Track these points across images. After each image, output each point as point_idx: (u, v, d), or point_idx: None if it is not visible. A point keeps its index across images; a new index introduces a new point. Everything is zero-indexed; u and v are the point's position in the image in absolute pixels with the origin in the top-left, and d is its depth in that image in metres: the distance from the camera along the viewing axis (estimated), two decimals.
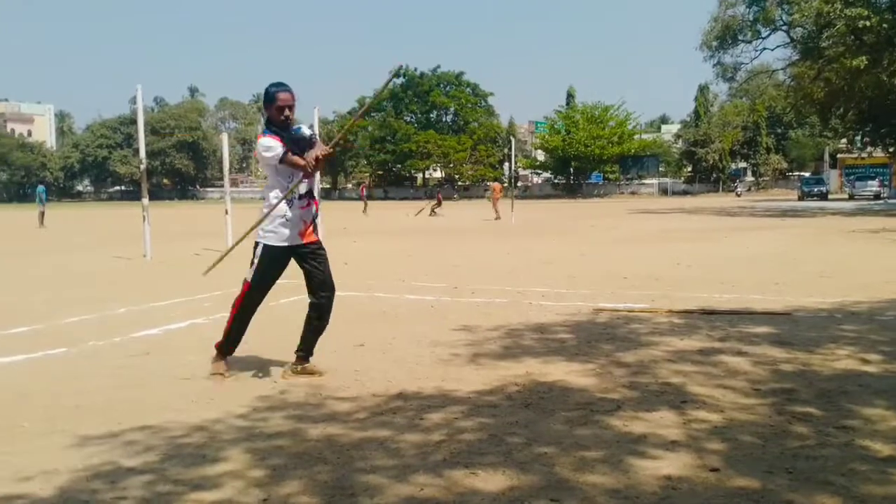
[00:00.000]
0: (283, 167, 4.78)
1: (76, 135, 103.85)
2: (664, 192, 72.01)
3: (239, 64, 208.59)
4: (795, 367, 4.90)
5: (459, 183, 78.31)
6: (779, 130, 74.61)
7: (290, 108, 4.83)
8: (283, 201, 4.81)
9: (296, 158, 4.74)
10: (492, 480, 3.09)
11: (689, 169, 78.05)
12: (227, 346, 5.08)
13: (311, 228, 4.96)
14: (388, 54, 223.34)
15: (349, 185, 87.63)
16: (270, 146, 4.74)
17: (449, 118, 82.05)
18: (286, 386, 4.71)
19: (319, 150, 4.84)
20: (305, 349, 5.03)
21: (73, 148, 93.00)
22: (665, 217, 29.88)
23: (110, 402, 4.40)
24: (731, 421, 3.80)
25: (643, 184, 75.66)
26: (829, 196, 49.13)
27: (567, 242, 16.90)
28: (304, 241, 4.89)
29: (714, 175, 73.94)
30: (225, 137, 18.81)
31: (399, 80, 79.71)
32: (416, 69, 79.65)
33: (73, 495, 3.04)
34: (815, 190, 48.20)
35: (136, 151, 37.83)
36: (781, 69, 41.57)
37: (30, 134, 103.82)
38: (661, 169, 76.29)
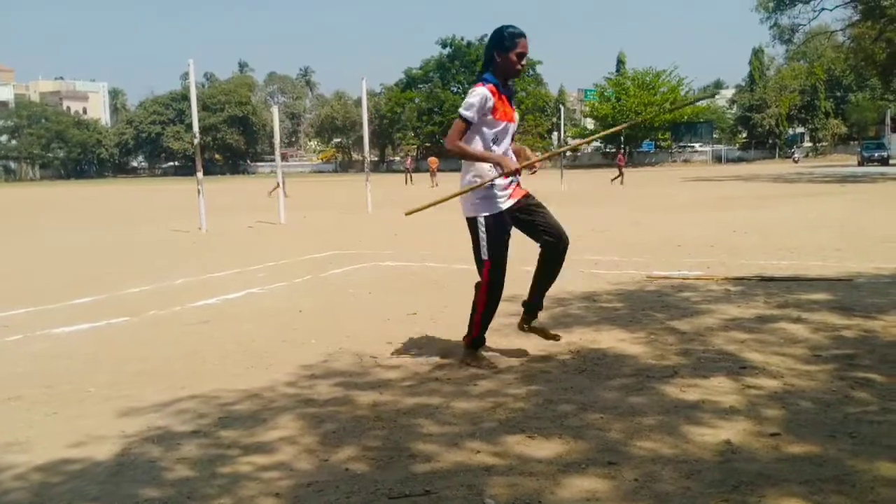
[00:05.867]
0: (490, 123, 4.54)
1: (129, 111, 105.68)
2: (718, 159, 70.43)
3: (286, 38, 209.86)
4: (857, 334, 4.77)
5: None
6: (838, 94, 72.09)
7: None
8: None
9: (489, 154, 4.43)
10: (546, 445, 3.08)
11: (744, 135, 76.16)
12: (481, 336, 4.58)
13: (517, 185, 4.68)
14: (435, 24, 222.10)
15: (397, 158, 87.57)
16: (473, 104, 4.47)
17: None
18: (334, 354, 4.72)
19: (526, 158, 4.66)
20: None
21: (127, 125, 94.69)
22: (720, 184, 29.29)
23: (171, 369, 4.51)
24: (791, 387, 3.72)
25: (696, 151, 74.07)
26: (891, 161, 47.45)
27: (619, 211, 16.69)
28: (516, 198, 4.61)
29: (770, 141, 72.03)
30: (275, 111, 19.03)
31: (446, 50, 78.93)
32: (462, 38, 78.69)
33: (137, 457, 3.13)
34: (876, 155, 46.75)
35: (189, 127, 38.56)
36: (841, 30, 40.34)
37: (85, 111, 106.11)
38: (714, 135, 74.51)
